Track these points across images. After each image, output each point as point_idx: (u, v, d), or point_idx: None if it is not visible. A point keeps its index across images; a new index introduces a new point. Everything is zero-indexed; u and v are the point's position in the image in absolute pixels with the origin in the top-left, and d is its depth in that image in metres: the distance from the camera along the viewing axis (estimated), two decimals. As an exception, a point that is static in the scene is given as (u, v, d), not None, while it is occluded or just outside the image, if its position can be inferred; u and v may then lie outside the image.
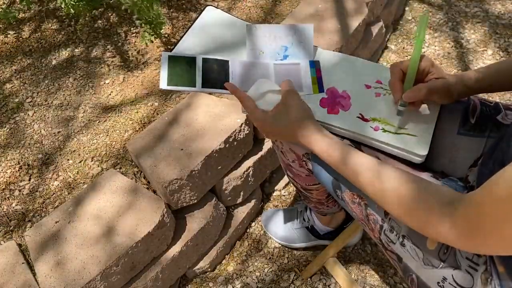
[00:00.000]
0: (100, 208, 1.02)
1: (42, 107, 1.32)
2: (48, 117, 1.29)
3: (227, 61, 0.84)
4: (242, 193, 1.29)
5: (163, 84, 0.79)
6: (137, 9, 1.24)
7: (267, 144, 1.29)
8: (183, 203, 1.11)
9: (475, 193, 0.49)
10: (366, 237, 1.32)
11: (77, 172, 1.17)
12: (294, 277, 1.26)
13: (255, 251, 1.33)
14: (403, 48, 1.89)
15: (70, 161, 1.19)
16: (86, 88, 1.36)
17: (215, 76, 0.82)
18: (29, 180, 1.16)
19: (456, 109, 0.77)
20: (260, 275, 1.28)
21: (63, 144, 1.23)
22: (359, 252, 1.30)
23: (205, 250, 1.25)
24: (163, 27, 1.36)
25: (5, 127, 1.28)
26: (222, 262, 1.32)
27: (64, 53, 1.46)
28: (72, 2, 1.29)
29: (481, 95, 0.80)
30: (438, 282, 0.66)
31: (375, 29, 1.68)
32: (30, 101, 1.34)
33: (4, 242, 1.04)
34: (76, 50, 1.47)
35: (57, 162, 1.19)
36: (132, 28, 1.50)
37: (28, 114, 1.30)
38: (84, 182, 1.15)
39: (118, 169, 1.16)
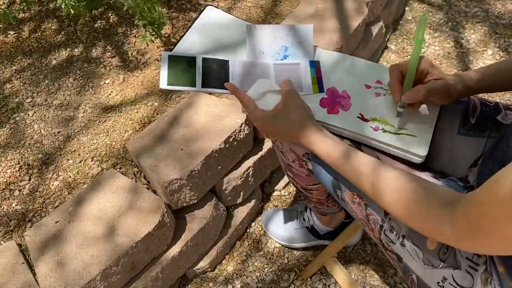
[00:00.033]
0: (100, 208, 1.02)
1: (42, 107, 1.32)
2: (48, 117, 1.29)
3: (227, 61, 0.84)
4: (242, 193, 1.29)
5: (163, 84, 0.79)
6: (139, 11, 1.24)
7: (267, 144, 1.29)
8: (183, 203, 1.11)
9: (475, 193, 0.49)
10: (366, 237, 1.32)
11: (77, 172, 1.17)
12: (294, 277, 1.26)
13: (255, 251, 1.33)
14: (403, 48, 1.89)
15: (70, 161, 1.19)
16: (86, 88, 1.36)
17: (215, 76, 0.82)
18: (29, 180, 1.16)
19: (456, 109, 0.77)
20: (260, 275, 1.28)
21: (63, 144, 1.23)
22: (359, 252, 1.30)
23: (205, 250, 1.25)
24: (163, 27, 1.36)
25: (5, 127, 1.28)
26: (222, 262, 1.32)
27: (64, 53, 1.46)
28: (72, 3, 1.29)
29: (481, 95, 0.80)
30: (438, 282, 0.66)
31: (375, 29, 1.68)
32: (30, 101, 1.34)
33: (4, 242, 1.04)
34: (76, 50, 1.47)
35: (57, 162, 1.19)
36: (132, 28, 1.50)
37: (28, 114, 1.30)
38: (84, 182, 1.15)
39: (118, 169, 1.16)
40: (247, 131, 1.17)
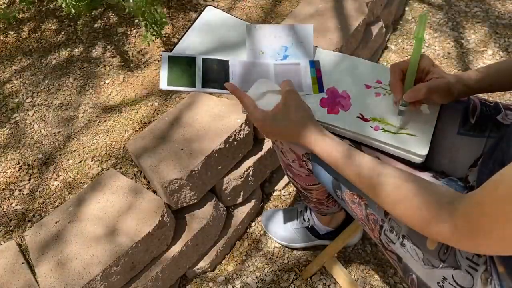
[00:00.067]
0: (100, 208, 1.02)
1: (42, 107, 1.32)
2: (48, 117, 1.29)
3: (227, 61, 0.84)
4: (242, 193, 1.29)
5: (163, 85, 0.79)
6: (141, 12, 1.24)
7: (267, 144, 1.29)
8: (183, 203, 1.11)
9: (475, 193, 0.49)
10: (366, 237, 1.32)
11: (77, 172, 1.17)
12: (294, 277, 1.26)
13: (255, 251, 1.33)
14: (403, 48, 1.89)
15: (70, 161, 1.19)
16: (86, 88, 1.36)
17: (215, 76, 0.82)
18: (29, 180, 1.16)
19: (456, 109, 0.77)
20: (260, 275, 1.28)
21: (63, 144, 1.23)
22: (359, 252, 1.30)
23: (205, 250, 1.25)
24: (163, 29, 1.36)
25: (5, 127, 1.28)
26: (222, 262, 1.32)
27: (64, 53, 1.46)
28: (73, 2, 1.29)
29: (481, 95, 0.80)
30: (438, 282, 0.66)
31: (375, 29, 1.68)
32: (30, 101, 1.34)
33: (4, 242, 1.04)
34: (76, 50, 1.47)
35: (57, 162, 1.19)
36: (132, 28, 1.50)
37: (28, 114, 1.30)
38: (84, 182, 1.15)
39: (118, 169, 1.16)
40: (247, 131, 1.17)
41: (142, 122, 1.26)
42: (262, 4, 1.59)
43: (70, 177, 1.16)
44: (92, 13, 1.54)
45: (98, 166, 1.18)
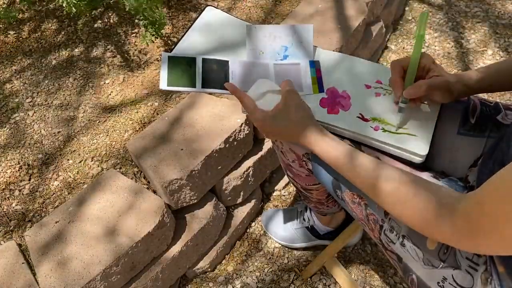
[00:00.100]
0: (100, 208, 1.02)
1: (42, 107, 1.32)
2: (48, 117, 1.29)
3: (227, 61, 0.84)
4: (242, 193, 1.29)
5: (163, 85, 0.79)
6: (141, 10, 1.24)
7: (267, 144, 1.29)
8: (183, 203, 1.11)
9: (475, 193, 0.49)
10: (366, 237, 1.32)
11: (77, 172, 1.17)
12: (294, 277, 1.26)
13: (255, 251, 1.33)
14: (403, 48, 1.89)
15: (70, 161, 1.19)
16: (86, 88, 1.36)
17: (215, 76, 0.82)
18: (29, 180, 1.16)
19: (456, 109, 0.77)
20: (260, 275, 1.28)
21: (63, 144, 1.23)
22: (359, 252, 1.30)
23: (205, 250, 1.25)
24: (163, 29, 1.36)
25: (5, 127, 1.28)
26: (222, 262, 1.32)
27: (64, 53, 1.46)
28: (74, 1, 1.29)
29: (481, 95, 0.80)
30: (438, 282, 0.66)
31: (375, 29, 1.68)
32: (30, 101, 1.34)
33: (4, 242, 1.04)
34: (76, 50, 1.47)
35: (57, 162, 1.19)
36: (132, 28, 1.50)
37: (28, 114, 1.30)
38: (84, 182, 1.15)
39: (118, 169, 1.16)
40: (247, 131, 1.17)
41: (142, 122, 1.26)
42: (262, 4, 1.59)
43: (70, 177, 1.16)
44: (92, 13, 1.54)
45: (98, 166, 1.18)
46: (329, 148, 0.67)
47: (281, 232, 1.30)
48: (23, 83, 1.39)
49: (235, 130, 1.13)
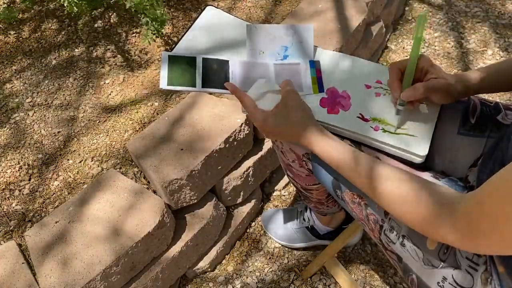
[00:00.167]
0: (100, 208, 1.02)
1: (42, 107, 1.32)
2: (48, 117, 1.29)
3: (227, 61, 0.84)
4: (242, 193, 1.29)
5: (163, 84, 0.79)
6: (142, 8, 1.24)
7: (267, 144, 1.30)
8: (183, 203, 1.11)
9: (475, 193, 0.49)
10: (366, 237, 1.32)
11: (77, 172, 1.17)
12: (294, 277, 1.26)
13: (255, 251, 1.33)
14: (403, 48, 1.89)
15: (70, 161, 1.19)
16: (86, 88, 1.36)
17: (215, 76, 0.82)
18: (29, 180, 1.16)
19: (456, 109, 0.77)
20: (260, 275, 1.28)
21: (63, 144, 1.23)
22: (359, 252, 1.30)
23: (205, 250, 1.25)
24: (164, 27, 1.36)
25: (5, 127, 1.28)
26: (222, 262, 1.32)
27: (64, 53, 1.46)
28: (75, 0, 1.29)
29: (481, 95, 0.80)
30: (438, 282, 0.66)
31: (375, 29, 1.68)
32: (30, 101, 1.34)
33: (4, 242, 1.04)
34: (76, 50, 1.47)
35: (57, 162, 1.19)
36: (132, 28, 1.50)
37: (28, 114, 1.30)
38: (84, 182, 1.15)
39: (118, 169, 1.16)
40: (247, 131, 1.17)
41: (142, 122, 1.26)
42: (262, 4, 1.59)
43: (70, 177, 1.16)
44: (93, 13, 1.54)
45: (98, 166, 1.18)
46: (329, 148, 0.67)
47: (281, 232, 1.30)
48: (23, 83, 1.39)
49: (235, 130, 1.13)
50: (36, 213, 1.10)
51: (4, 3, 1.60)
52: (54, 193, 1.13)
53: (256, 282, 1.26)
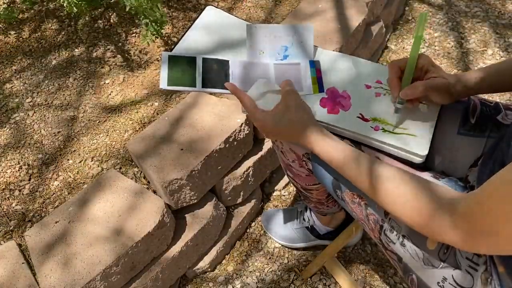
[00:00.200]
0: (100, 208, 1.02)
1: (42, 107, 1.32)
2: (48, 117, 1.29)
3: (227, 61, 0.84)
4: (242, 193, 1.29)
5: (163, 84, 0.79)
6: (142, 10, 1.24)
7: (267, 144, 1.29)
8: (183, 203, 1.11)
9: (475, 193, 0.49)
10: (366, 237, 1.32)
11: (77, 172, 1.17)
12: (294, 277, 1.26)
13: (255, 251, 1.33)
14: (403, 48, 1.89)
15: (70, 161, 1.19)
16: (86, 88, 1.36)
17: (215, 76, 0.82)
18: (29, 180, 1.16)
19: (456, 109, 0.77)
20: (260, 275, 1.28)
21: (63, 144, 1.23)
22: (359, 252, 1.30)
23: (205, 250, 1.25)
24: (164, 27, 1.36)
25: (5, 127, 1.28)
26: (222, 262, 1.32)
27: (64, 53, 1.46)
28: (75, 1, 1.29)
29: (481, 95, 0.80)
30: (438, 282, 0.66)
31: (375, 29, 1.68)
32: (30, 101, 1.34)
33: (4, 242, 1.04)
34: (76, 50, 1.47)
35: (57, 162, 1.19)
36: (132, 28, 1.50)
37: (28, 114, 1.30)
38: (84, 182, 1.15)
39: (118, 169, 1.16)
40: (247, 131, 1.17)
41: (142, 122, 1.26)
42: (262, 4, 1.59)
43: (70, 177, 1.16)
44: (93, 13, 1.54)
45: (98, 166, 1.18)
46: (329, 148, 0.67)
47: (281, 232, 1.30)
48: (23, 83, 1.39)
49: (235, 130, 1.13)
50: (36, 213, 1.10)
51: (4, 3, 1.60)
52: (54, 193, 1.13)
53: (256, 282, 1.26)
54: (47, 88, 1.37)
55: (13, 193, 1.13)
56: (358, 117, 0.78)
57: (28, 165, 1.19)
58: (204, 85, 0.80)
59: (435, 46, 1.87)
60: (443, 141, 0.77)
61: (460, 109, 0.77)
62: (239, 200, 1.30)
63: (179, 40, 0.86)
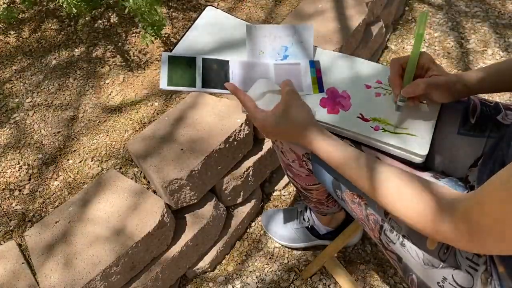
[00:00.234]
0: (100, 208, 1.02)
1: (42, 107, 1.32)
2: (48, 117, 1.29)
3: (227, 61, 0.84)
4: (242, 193, 1.29)
5: (163, 85, 0.79)
6: (140, 13, 1.24)
7: (267, 144, 1.30)
8: (183, 203, 1.11)
9: (475, 193, 0.49)
10: (366, 237, 1.32)
11: (77, 172, 1.17)
12: (294, 277, 1.26)
13: (255, 251, 1.33)
14: (403, 48, 1.89)
15: (70, 161, 1.19)
16: (86, 88, 1.36)
17: (215, 76, 0.82)
18: (29, 180, 1.16)
19: (456, 109, 0.77)
20: (260, 275, 1.28)
21: (63, 144, 1.23)
22: (359, 252, 1.30)
23: (205, 250, 1.25)
24: (163, 28, 1.36)
25: (5, 127, 1.28)
26: (222, 262, 1.32)
27: (64, 53, 1.46)
28: (74, 1, 1.29)
29: (481, 95, 0.80)
30: (438, 282, 0.66)
31: (375, 29, 1.68)
32: (30, 101, 1.34)
33: (4, 242, 1.04)
34: (76, 50, 1.47)
35: (57, 162, 1.19)
36: (132, 28, 1.50)
37: (28, 114, 1.30)
38: (84, 182, 1.15)
39: (118, 169, 1.16)
40: (247, 131, 1.17)
41: (142, 122, 1.26)
42: (262, 4, 1.59)
43: (70, 177, 1.16)
44: (92, 13, 1.54)
45: (98, 166, 1.18)
46: (329, 148, 0.67)
47: (281, 232, 1.30)
48: (23, 83, 1.39)
49: (235, 130, 1.13)
50: (36, 213, 1.10)
51: (4, 3, 1.60)
52: (54, 193, 1.13)
53: (256, 282, 1.26)
54: (47, 88, 1.37)
55: (13, 193, 1.13)
56: (358, 117, 0.78)
57: (28, 165, 1.19)
58: (204, 85, 0.80)
59: (435, 46, 1.87)
60: (443, 141, 0.77)
61: (460, 109, 0.77)
62: (239, 200, 1.30)
63: (179, 40, 0.86)
